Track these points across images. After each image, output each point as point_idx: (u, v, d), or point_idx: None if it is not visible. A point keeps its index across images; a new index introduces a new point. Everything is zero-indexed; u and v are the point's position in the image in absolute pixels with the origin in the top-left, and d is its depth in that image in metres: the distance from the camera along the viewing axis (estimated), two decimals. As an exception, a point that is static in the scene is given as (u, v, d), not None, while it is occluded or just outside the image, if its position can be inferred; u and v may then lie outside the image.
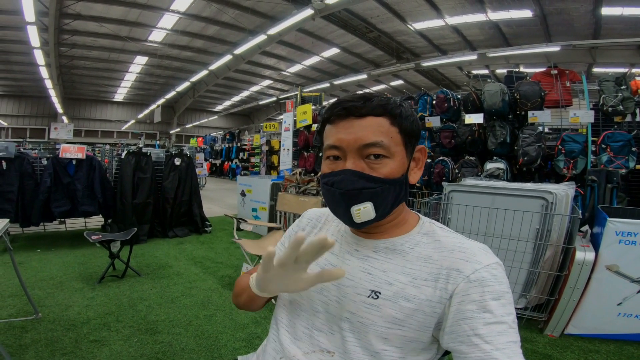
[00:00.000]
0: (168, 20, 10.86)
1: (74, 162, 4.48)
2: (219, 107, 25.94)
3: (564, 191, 2.54)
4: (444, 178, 4.38)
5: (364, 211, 0.70)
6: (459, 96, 4.84)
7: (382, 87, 17.14)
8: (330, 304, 0.76)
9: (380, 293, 0.71)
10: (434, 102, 4.89)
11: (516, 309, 2.57)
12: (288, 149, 7.04)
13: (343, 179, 0.70)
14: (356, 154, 0.70)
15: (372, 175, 0.69)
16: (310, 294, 0.79)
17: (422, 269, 0.70)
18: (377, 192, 0.69)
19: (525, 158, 3.92)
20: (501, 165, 4.08)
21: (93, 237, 3.31)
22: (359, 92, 0.86)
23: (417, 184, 4.70)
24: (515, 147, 4.07)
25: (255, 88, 19.77)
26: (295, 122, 6.97)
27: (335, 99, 0.76)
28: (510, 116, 4.41)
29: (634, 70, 9.10)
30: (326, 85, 14.41)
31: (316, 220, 0.94)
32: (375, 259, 0.75)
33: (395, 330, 0.68)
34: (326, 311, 0.76)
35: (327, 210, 0.96)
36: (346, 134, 0.71)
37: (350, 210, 0.70)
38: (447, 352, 0.76)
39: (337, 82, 14.19)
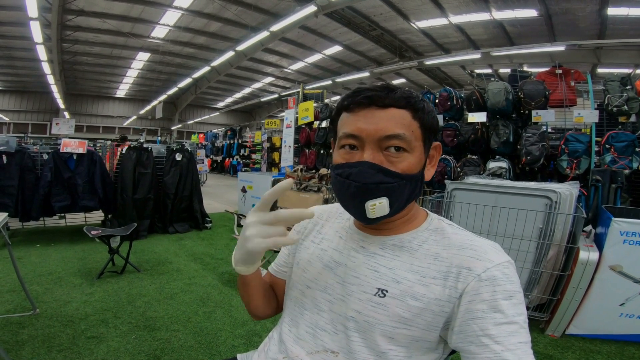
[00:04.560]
0: (171, 17, 10.85)
1: (74, 156, 4.46)
2: (220, 104, 25.94)
3: (568, 190, 2.52)
4: (446, 177, 4.35)
5: (379, 207, 0.67)
6: (462, 95, 4.80)
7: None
8: (334, 302, 0.74)
9: (387, 291, 0.68)
10: (437, 100, 4.85)
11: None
12: (289, 146, 7.01)
13: (360, 171, 0.67)
14: (375, 146, 0.67)
15: (391, 170, 0.67)
16: (314, 292, 0.77)
17: (430, 267, 0.68)
18: (394, 188, 0.67)
19: (528, 157, 3.89)
20: (504, 164, 4.05)
21: (92, 232, 3.30)
22: (380, 82, 0.83)
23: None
24: (518, 147, 4.04)
25: (257, 85, 19.76)
26: (296, 119, 6.95)
27: (351, 89, 0.73)
28: (513, 115, 4.38)
29: (639, 70, 9.06)
30: (328, 82, 14.41)
31: (317, 217, 0.91)
32: (382, 256, 0.73)
33: (402, 329, 0.67)
34: (330, 310, 0.74)
35: (329, 207, 0.94)
36: (366, 123, 0.67)
37: (365, 205, 0.67)
38: (452, 352, 0.74)
39: (339, 79, 14.18)
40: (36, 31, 8.74)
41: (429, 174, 0.76)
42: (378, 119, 0.67)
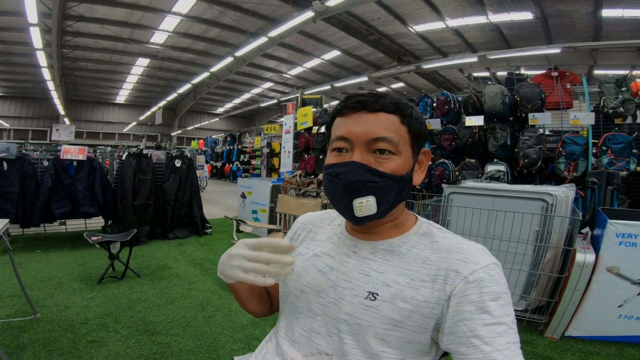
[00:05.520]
0: (170, 23, 10.91)
1: (74, 163, 4.48)
2: (220, 110, 25.99)
3: (564, 193, 2.54)
4: (445, 180, 4.37)
5: (366, 205, 0.69)
6: (460, 98, 4.83)
7: (383, 89, 17.14)
8: (328, 306, 0.75)
9: (377, 294, 0.70)
10: (435, 104, 4.88)
11: (517, 311, 2.57)
12: (289, 152, 7.04)
13: (349, 170, 0.70)
14: (364, 147, 0.71)
15: (378, 170, 0.70)
16: (309, 296, 0.79)
17: (419, 270, 0.70)
18: (381, 187, 0.70)
19: (526, 160, 3.91)
20: (502, 167, 4.06)
21: (93, 238, 3.31)
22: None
23: (417, 187, 4.69)
24: (516, 150, 4.06)
25: (256, 90, 19.81)
26: (295, 125, 6.98)
27: (346, 95, 0.77)
28: (510, 118, 4.40)
29: (635, 72, 9.08)
30: (327, 87, 14.46)
31: (311, 224, 0.94)
32: (373, 261, 0.75)
33: (394, 331, 0.68)
34: (324, 313, 0.76)
35: (321, 214, 0.96)
36: (356, 126, 0.71)
37: (353, 203, 0.70)
38: (445, 354, 0.76)
39: (337, 84, 14.23)
40: (36, 37, 8.77)
41: (418, 179, 0.79)
42: (367, 122, 0.71)
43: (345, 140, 0.72)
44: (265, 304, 0.97)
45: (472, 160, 4.39)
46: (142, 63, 14.89)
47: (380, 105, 0.71)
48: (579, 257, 2.36)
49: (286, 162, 7.07)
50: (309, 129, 6.70)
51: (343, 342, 0.72)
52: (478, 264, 0.66)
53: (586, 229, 2.85)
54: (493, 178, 3.97)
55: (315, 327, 0.76)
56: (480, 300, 0.62)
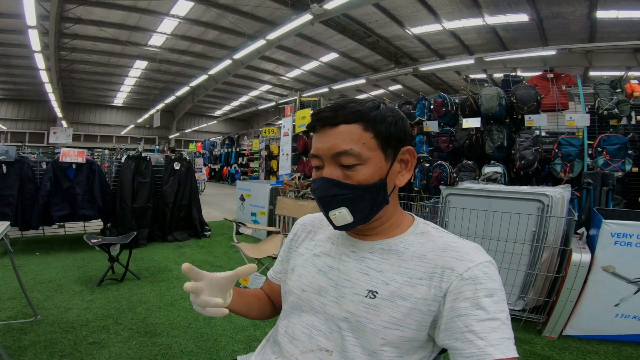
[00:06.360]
0: (168, 25, 10.94)
1: (74, 166, 4.49)
2: (218, 112, 26.00)
3: (559, 194, 2.57)
4: (442, 182, 4.39)
5: (340, 216, 0.73)
6: (457, 100, 4.85)
7: (380, 91, 17.21)
8: (328, 304, 0.77)
9: (377, 293, 0.72)
10: (432, 106, 4.90)
11: (514, 310, 2.60)
12: (287, 154, 7.03)
13: (319, 186, 0.75)
14: (332, 162, 0.74)
15: (345, 183, 0.73)
16: (309, 295, 0.81)
17: (417, 268, 0.72)
18: (350, 198, 0.72)
19: (523, 162, 3.94)
20: (499, 169, 4.09)
21: (93, 241, 3.32)
22: (337, 100, 0.88)
23: (415, 188, 4.72)
24: (513, 151, 4.09)
25: (254, 93, 19.83)
26: (294, 127, 6.98)
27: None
28: (507, 120, 4.43)
29: (630, 73, 9.16)
30: (325, 90, 14.47)
31: (310, 225, 0.96)
32: (371, 260, 0.77)
33: (394, 330, 0.70)
34: (325, 312, 0.78)
35: (320, 215, 0.98)
36: (321, 142, 0.75)
37: (328, 215, 0.75)
38: (443, 351, 0.77)
39: (336, 86, 14.25)
40: (34, 39, 8.77)
41: (402, 180, 0.79)
42: (330, 137, 0.73)
43: (317, 157, 0.76)
44: (267, 309, 1.00)
45: (469, 162, 4.41)
46: (140, 65, 14.89)
47: (340, 117, 0.73)
48: (575, 256, 2.39)
49: (284, 165, 7.06)
50: (307, 132, 6.70)
51: (344, 339, 0.74)
52: (473, 262, 0.68)
53: (582, 229, 2.87)
54: (490, 179, 4.00)
55: (316, 325, 0.78)
56: (475, 297, 0.64)
